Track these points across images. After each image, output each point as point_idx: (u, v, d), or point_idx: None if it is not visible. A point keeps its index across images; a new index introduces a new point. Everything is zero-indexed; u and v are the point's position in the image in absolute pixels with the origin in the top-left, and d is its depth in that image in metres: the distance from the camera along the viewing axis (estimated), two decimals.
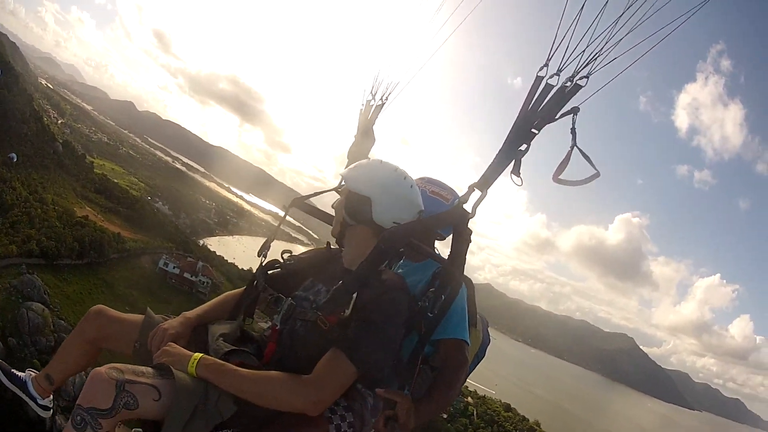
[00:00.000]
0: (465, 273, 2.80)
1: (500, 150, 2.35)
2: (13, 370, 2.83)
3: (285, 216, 3.09)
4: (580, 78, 2.24)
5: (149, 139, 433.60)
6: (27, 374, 2.84)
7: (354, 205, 2.59)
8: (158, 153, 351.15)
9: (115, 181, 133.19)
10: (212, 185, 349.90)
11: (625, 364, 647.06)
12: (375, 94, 3.36)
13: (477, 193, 2.42)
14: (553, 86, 2.27)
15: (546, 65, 2.28)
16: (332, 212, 2.81)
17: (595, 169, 2.33)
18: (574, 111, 2.30)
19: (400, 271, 3.12)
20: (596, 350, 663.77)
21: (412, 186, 2.64)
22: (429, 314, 2.59)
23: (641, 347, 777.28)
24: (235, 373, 2.32)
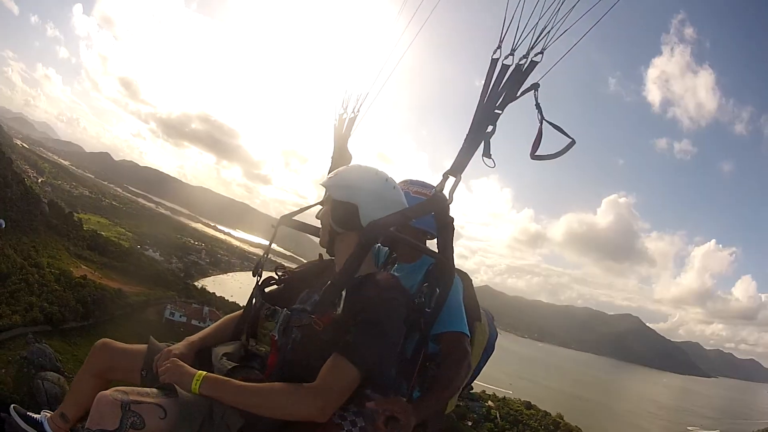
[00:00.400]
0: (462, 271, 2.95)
1: (468, 134, 2.37)
2: (28, 412, 2.88)
3: (274, 234, 3.07)
4: (535, 54, 2.28)
5: (129, 187, 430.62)
6: (42, 415, 2.88)
7: (341, 213, 2.61)
8: (140, 200, 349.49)
9: (103, 233, 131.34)
10: (198, 225, 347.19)
11: (634, 344, 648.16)
12: (346, 107, 3.37)
13: (452, 180, 2.43)
14: (509, 66, 2.31)
15: (499, 47, 2.31)
16: (319, 224, 2.81)
17: (570, 137, 2.37)
18: (535, 87, 2.33)
19: (397, 275, 3.02)
20: (604, 335, 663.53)
21: (395, 187, 2.68)
22: (427, 309, 2.61)
23: (648, 324, 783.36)
24: (239, 388, 2.34)
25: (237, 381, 2.40)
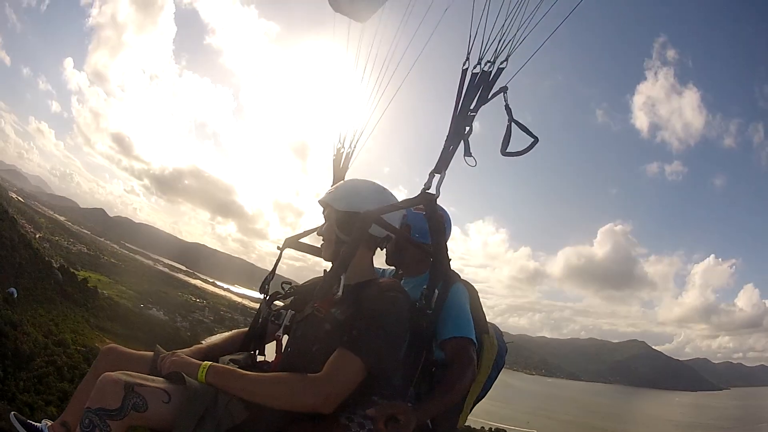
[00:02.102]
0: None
1: (448, 136, 2.64)
2: (29, 420, 2.74)
3: (280, 255, 3.21)
4: (501, 62, 2.57)
5: (126, 244, 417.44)
6: (44, 424, 2.75)
7: (346, 223, 2.71)
8: (138, 257, 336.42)
9: (106, 292, 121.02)
10: (197, 282, 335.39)
11: (642, 368, 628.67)
12: (343, 141, 3.60)
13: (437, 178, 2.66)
14: (478, 74, 2.62)
15: (467, 58, 2.61)
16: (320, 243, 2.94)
17: (534, 137, 2.65)
18: (503, 90, 2.62)
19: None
20: (611, 363, 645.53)
21: (390, 195, 2.84)
22: (428, 312, 2.66)
23: (654, 347, 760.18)
24: (245, 377, 2.36)
25: (242, 371, 2.43)
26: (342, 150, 3.58)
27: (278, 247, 3.21)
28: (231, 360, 2.74)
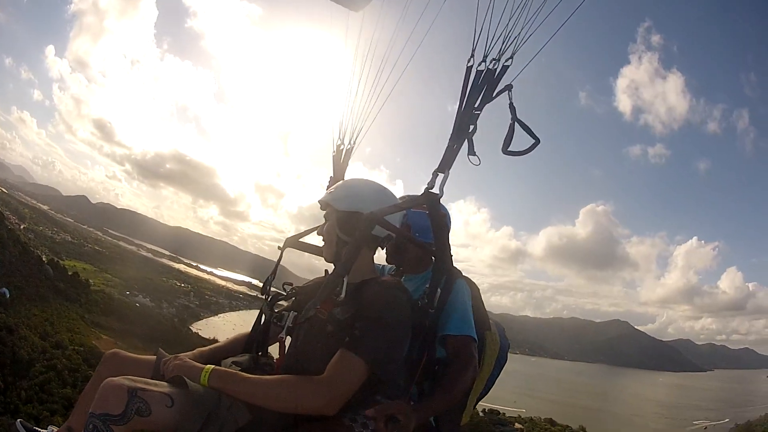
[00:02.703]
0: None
1: (452, 134, 2.56)
2: (35, 428, 2.74)
3: (281, 255, 3.14)
4: (506, 59, 2.49)
5: (109, 230, 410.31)
6: (49, 430, 2.74)
7: (347, 223, 2.65)
8: (122, 243, 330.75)
9: (91, 281, 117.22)
10: (181, 266, 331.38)
11: (626, 348, 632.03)
12: (343, 138, 3.56)
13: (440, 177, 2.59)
14: (483, 72, 2.54)
15: (472, 55, 2.53)
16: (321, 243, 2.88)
17: (536, 138, 2.58)
18: (508, 88, 2.53)
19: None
20: (594, 343, 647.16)
21: (391, 194, 2.78)
22: (430, 311, 2.63)
23: (637, 327, 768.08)
24: (248, 380, 2.32)
25: (244, 373, 2.38)
26: (342, 147, 3.55)
27: (279, 247, 3.12)
28: (234, 362, 2.69)
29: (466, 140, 2.57)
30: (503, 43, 2.49)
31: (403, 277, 3.18)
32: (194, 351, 2.79)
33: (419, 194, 2.68)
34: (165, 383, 2.25)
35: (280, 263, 3.17)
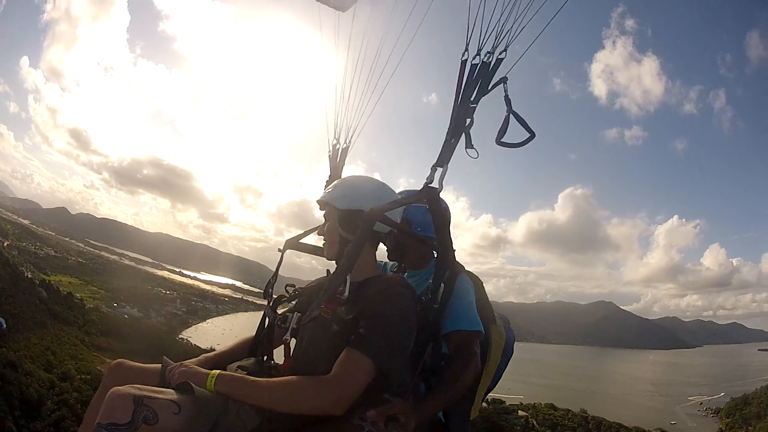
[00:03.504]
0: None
1: (449, 128, 2.51)
2: None
3: (282, 258, 3.08)
4: (500, 52, 2.45)
5: (90, 241, 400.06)
6: None
7: (350, 221, 2.60)
8: (104, 253, 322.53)
9: (78, 295, 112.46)
10: (164, 273, 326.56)
11: (612, 328, 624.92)
12: (338, 137, 3.49)
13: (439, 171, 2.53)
14: (477, 65, 2.49)
15: (466, 50, 2.49)
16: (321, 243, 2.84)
17: (531, 131, 2.53)
18: (503, 80, 2.50)
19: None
20: (580, 325, 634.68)
21: (390, 190, 2.73)
22: (435, 306, 2.58)
23: (622, 307, 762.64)
24: (255, 384, 2.25)
25: (251, 377, 2.33)
26: (338, 146, 3.47)
27: (279, 249, 3.05)
28: (239, 367, 2.63)
29: (464, 134, 2.52)
30: (497, 37, 2.46)
31: (406, 273, 3.07)
32: (199, 357, 2.74)
33: (418, 189, 2.60)
34: (171, 390, 2.19)
35: (278, 264, 3.09)
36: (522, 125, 2.55)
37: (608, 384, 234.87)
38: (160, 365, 2.55)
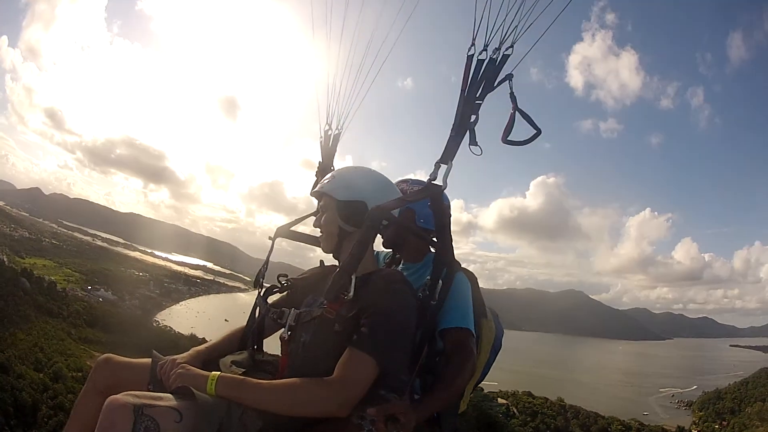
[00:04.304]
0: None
1: (454, 124, 2.43)
2: None
3: (272, 246, 2.96)
4: (506, 48, 2.38)
5: (63, 222, 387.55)
6: None
7: (349, 212, 2.51)
8: (77, 234, 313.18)
9: (53, 278, 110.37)
10: (136, 254, 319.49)
11: (582, 317, 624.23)
12: (330, 122, 3.36)
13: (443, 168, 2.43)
14: (483, 61, 2.41)
15: (473, 44, 2.41)
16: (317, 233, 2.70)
17: (536, 128, 2.46)
18: (509, 77, 2.42)
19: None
20: (550, 312, 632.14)
21: (388, 181, 2.66)
22: (432, 302, 2.51)
23: (592, 297, 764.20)
24: (257, 386, 2.14)
25: (253, 379, 2.22)
26: (330, 132, 3.34)
27: (270, 237, 2.95)
28: (233, 362, 2.53)
29: (468, 130, 2.44)
30: (503, 32, 2.39)
31: (402, 265, 3.06)
32: (190, 352, 2.59)
33: (423, 186, 2.52)
34: (170, 396, 2.07)
35: (269, 253, 2.97)
36: (528, 122, 2.48)
37: (581, 372, 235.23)
38: (150, 360, 2.43)
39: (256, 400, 2.10)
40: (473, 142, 2.42)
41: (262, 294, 2.78)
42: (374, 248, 2.77)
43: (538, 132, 2.46)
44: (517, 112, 2.45)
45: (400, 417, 2.05)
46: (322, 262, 2.80)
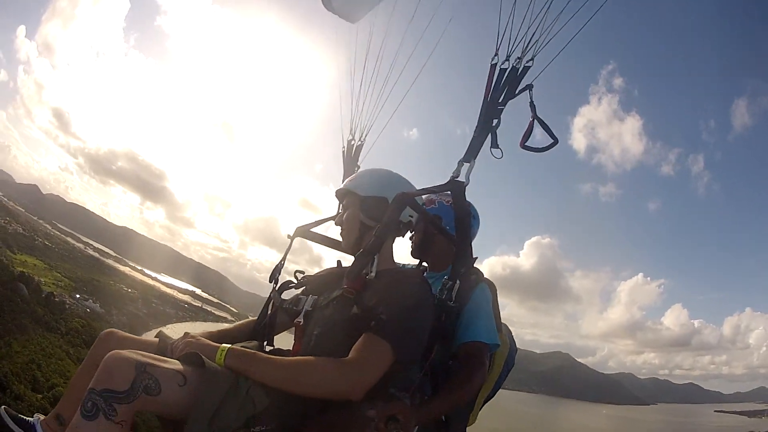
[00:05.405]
0: None
1: (476, 126, 2.54)
2: (20, 415, 2.32)
3: (291, 244, 2.94)
4: (527, 61, 2.50)
5: (58, 224, 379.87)
6: (36, 418, 2.32)
7: (373, 208, 2.54)
8: (70, 240, 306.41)
9: (42, 279, 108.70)
10: (126, 269, 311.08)
11: (567, 379, 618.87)
12: (354, 133, 3.46)
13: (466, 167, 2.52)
14: (506, 70, 2.53)
15: (496, 54, 2.54)
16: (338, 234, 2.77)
17: (554, 138, 2.56)
18: (529, 87, 2.51)
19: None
20: (535, 373, 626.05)
21: (410, 182, 2.67)
22: (450, 303, 2.48)
23: (578, 359, 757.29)
24: (269, 361, 2.08)
25: (265, 354, 2.17)
26: (353, 142, 3.43)
27: (288, 236, 2.93)
28: (242, 347, 2.39)
29: (490, 134, 2.54)
30: (525, 47, 2.51)
31: (426, 274, 2.89)
32: (201, 332, 2.51)
33: (447, 182, 2.57)
34: (176, 361, 1.96)
35: (286, 251, 2.95)
36: (546, 131, 2.57)
37: None
38: (157, 340, 2.35)
39: (267, 375, 2.01)
40: (494, 145, 2.52)
41: (277, 288, 2.75)
42: (400, 262, 2.80)
43: (555, 141, 2.55)
44: (536, 121, 2.54)
45: (400, 417, 2.03)
46: (339, 262, 2.79)
